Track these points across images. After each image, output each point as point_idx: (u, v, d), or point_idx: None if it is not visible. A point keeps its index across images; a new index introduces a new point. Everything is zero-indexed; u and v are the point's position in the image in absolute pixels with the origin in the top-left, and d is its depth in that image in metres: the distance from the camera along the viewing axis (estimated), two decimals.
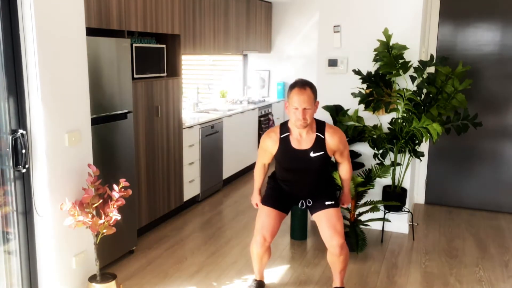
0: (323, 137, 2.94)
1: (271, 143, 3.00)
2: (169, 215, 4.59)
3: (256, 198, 3.24)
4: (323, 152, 2.95)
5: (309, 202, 3.13)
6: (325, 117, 4.26)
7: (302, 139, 2.95)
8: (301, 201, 3.14)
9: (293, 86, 2.86)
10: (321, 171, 3.07)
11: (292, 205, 3.23)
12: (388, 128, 4.04)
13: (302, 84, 2.84)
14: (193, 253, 3.87)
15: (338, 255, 2.99)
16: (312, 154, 2.95)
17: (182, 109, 4.63)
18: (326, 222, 3.01)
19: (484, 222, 4.66)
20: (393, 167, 4.06)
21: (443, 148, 4.98)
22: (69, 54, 2.85)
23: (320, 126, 2.97)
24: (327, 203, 3.05)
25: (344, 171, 3.18)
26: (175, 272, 3.54)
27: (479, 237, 4.28)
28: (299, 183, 3.09)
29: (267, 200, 3.13)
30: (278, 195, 3.14)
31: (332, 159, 3.15)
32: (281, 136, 2.98)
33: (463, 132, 4.15)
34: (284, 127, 2.99)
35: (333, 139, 2.95)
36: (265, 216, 3.07)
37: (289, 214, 4.24)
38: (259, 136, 6.55)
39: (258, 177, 3.24)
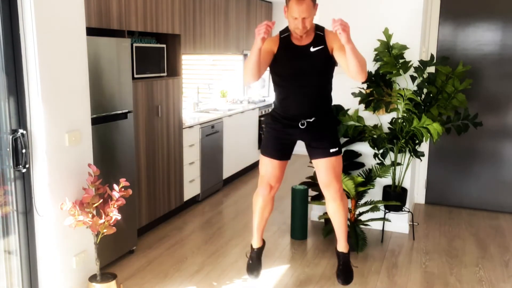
0: (322, 34, 2.90)
1: (272, 41, 2.91)
2: (169, 215, 4.59)
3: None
4: (323, 46, 2.87)
5: (311, 119, 2.96)
6: None
7: (302, 38, 2.89)
8: (302, 120, 2.97)
9: None
10: (322, 78, 2.96)
11: (293, 146, 3.10)
12: (389, 128, 4.04)
13: None
14: (193, 253, 3.87)
15: (339, 199, 3.00)
16: (312, 49, 2.88)
17: (182, 109, 4.63)
18: (327, 169, 2.97)
19: (484, 222, 4.65)
20: (393, 167, 4.06)
21: (443, 148, 4.98)
22: (69, 54, 2.85)
23: (319, 27, 2.93)
24: (332, 150, 2.98)
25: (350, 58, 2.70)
26: (175, 272, 3.54)
27: (479, 237, 4.28)
28: (300, 94, 2.94)
29: (266, 150, 3.07)
30: (276, 141, 3.05)
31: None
32: (282, 36, 2.93)
33: (463, 132, 4.15)
34: (284, 29, 2.95)
35: (331, 33, 2.87)
36: (267, 165, 3.04)
37: (289, 213, 4.24)
38: (259, 136, 6.55)
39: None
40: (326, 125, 3.03)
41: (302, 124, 2.97)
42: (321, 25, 2.98)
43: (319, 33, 2.91)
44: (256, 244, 3.28)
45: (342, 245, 3.18)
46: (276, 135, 3.06)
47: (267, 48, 2.87)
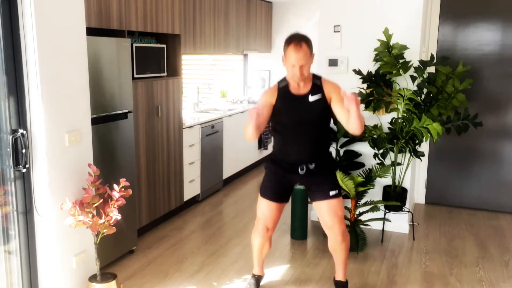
0: (320, 83, 2.95)
1: (270, 94, 2.97)
2: (169, 215, 4.59)
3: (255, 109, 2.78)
4: (320, 95, 2.91)
5: (311, 165, 2.99)
6: None
7: (300, 87, 2.93)
8: (302, 165, 2.99)
9: (289, 41, 2.81)
10: (321, 126, 3.01)
11: (292, 189, 3.15)
12: (389, 128, 4.04)
13: (298, 40, 2.78)
14: (193, 253, 3.87)
15: (341, 241, 3.01)
16: (310, 98, 2.92)
17: (182, 109, 4.63)
18: (329, 211, 2.99)
19: (484, 222, 4.65)
20: (393, 167, 4.06)
21: (443, 148, 4.98)
22: (69, 54, 2.85)
23: (317, 76, 2.98)
24: (331, 193, 3.01)
25: (350, 118, 2.79)
26: (175, 272, 3.54)
27: (479, 237, 4.28)
28: (299, 141, 2.98)
29: (265, 192, 3.10)
30: (276, 185, 3.08)
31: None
32: (280, 86, 2.98)
33: (464, 132, 4.15)
34: (282, 80, 3.00)
35: (328, 84, 2.94)
36: (265, 208, 3.07)
37: (289, 213, 4.24)
38: (259, 136, 6.54)
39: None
40: (325, 170, 3.07)
41: (302, 169, 3.02)
42: (318, 74, 3.02)
43: (317, 82, 2.95)
44: (257, 272, 3.33)
45: (340, 275, 3.21)
46: (276, 178, 3.10)
47: (266, 102, 2.96)
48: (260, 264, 3.29)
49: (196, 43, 5.20)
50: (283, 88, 2.97)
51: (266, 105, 2.94)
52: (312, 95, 2.92)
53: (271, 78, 7.41)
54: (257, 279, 3.31)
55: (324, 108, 2.94)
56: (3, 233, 2.76)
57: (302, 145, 3.00)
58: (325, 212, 3.02)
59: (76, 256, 3.03)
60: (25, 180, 2.76)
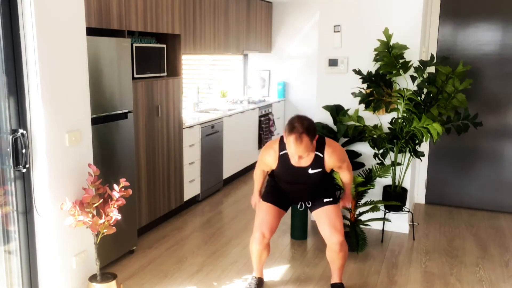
0: (322, 156, 2.94)
1: (270, 159, 3.02)
2: (169, 215, 4.59)
3: (255, 198, 3.28)
4: (321, 170, 2.97)
5: (309, 204, 3.18)
6: (326, 117, 4.26)
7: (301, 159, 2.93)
8: (300, 202, 3.20)
9: (290, 130, 2.71)
10: (318, 183, 3.10)
11: (292, 204, 3.25)
12: (389, 128, 4.04)
13: (300, 133, 2.68)
14: (193, 253, 3.87)
15: (338, 251, 3.03)
16: (310, 171, 2.97)
17: (182, 109, 4.63)
18: (326, 219, 3.04)
19: (485, 222, 4.65)
20: (393, 167, 4.06)
21: (443, 148, 4.98)
22: (69, 54, 2.85)
23: (319, 144, 2.94)
24: (325, 200, 3.09)
25: (345, 177, 3.19)
26: (175, 272, 3.54)
27: (480, 237, 4.28)
28: (299, 191, 3.15)
29: (266, 196, 3.17)
30: (277, 192, 3.18)
31: None
32: (280, 153, 2.98)
33: (464, 132, 4.15)
34: (284, 143, 2.96)
35: (331, 158, 2.94)
36: (264, 212, 3.10)
37: (289, 213, 4.24)
38: (260, 136, 6.55)
39: (258, 180, 3.25)
40: (323, 189, 3.18)
41: (301, 207, 3.22)
42: (322, 136, 3.00)
43: (319, 155, 2.94)
44: (258, 275, 3.34)
45: (335, 279, 3.24)
46: (279, 186, 3.19)
47: (267, 164, 3.07)
48: (260, 268, 3.31)
49: (196, 43, 5.20)
50: (283, 156, 2.97)
51: (268, 165, 3.08)
52: (312, 169, 2.96)
53: (271, 78, 7.41)
54: (258, 280, 3.31)
55: (321, 175, 3.02)
56: (3, 233, 2.76)
57: (301, 193, 3.15)
58: (323, 221, 3.05)
59: (76, 256, 3.03)
60: (25, 180, 2.76)
